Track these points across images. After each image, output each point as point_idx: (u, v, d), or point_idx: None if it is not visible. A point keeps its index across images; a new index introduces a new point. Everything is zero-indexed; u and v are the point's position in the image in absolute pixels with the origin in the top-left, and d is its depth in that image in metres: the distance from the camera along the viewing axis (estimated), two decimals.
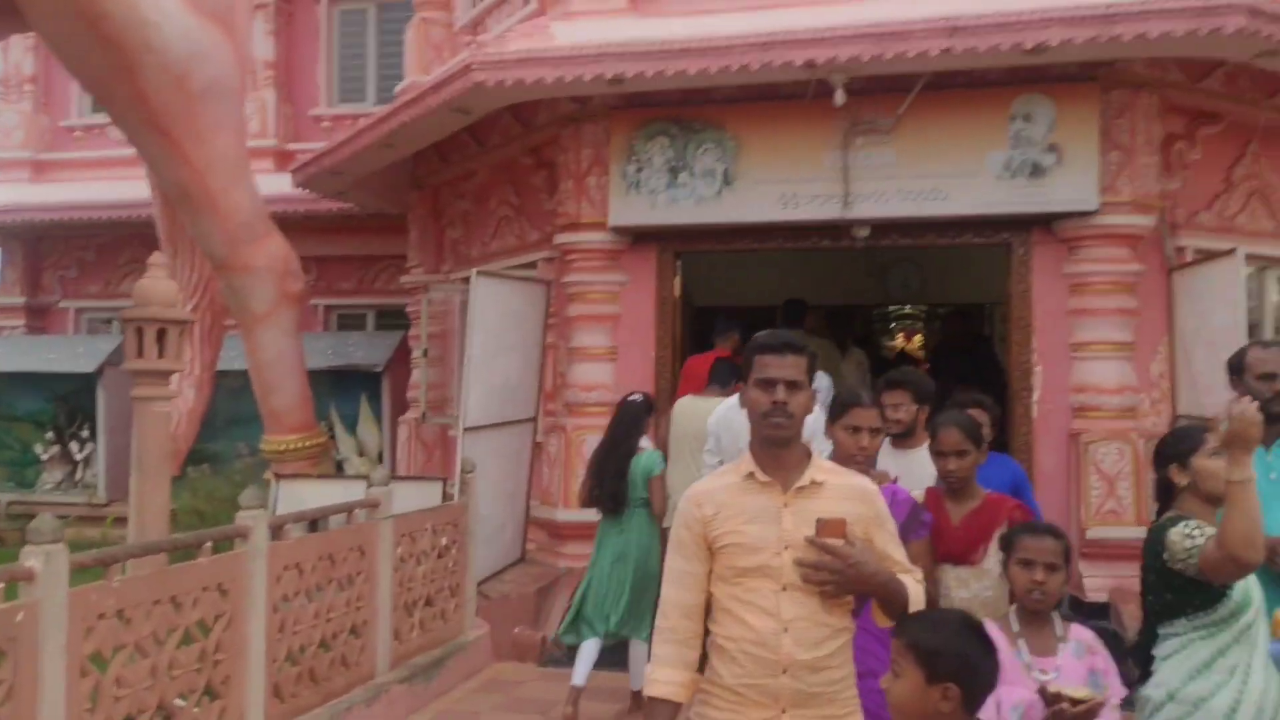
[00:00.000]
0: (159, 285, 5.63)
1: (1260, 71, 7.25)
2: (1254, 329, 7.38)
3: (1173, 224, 7.05)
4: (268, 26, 12.50)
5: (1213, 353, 6.05)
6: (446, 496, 6.68)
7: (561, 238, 7.71)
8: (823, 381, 6.34)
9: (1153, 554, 3.14)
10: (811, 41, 6.34)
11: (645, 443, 5.82)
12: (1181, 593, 3.05)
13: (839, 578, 2.45)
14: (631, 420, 5.82)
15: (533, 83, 6.79)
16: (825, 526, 2.47)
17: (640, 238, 7.59)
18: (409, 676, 5.72)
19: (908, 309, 15.18)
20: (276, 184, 10.99)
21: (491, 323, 6.97)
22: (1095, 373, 6.82)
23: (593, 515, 7.12)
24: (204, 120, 7.36)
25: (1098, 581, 6.66)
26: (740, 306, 9.79)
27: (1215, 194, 7.45)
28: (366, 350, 11.39)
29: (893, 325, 15.80)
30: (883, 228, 7.08)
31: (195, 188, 7.51)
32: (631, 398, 5.95)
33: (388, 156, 9.02)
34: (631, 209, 7.32)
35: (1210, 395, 6.08)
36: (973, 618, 2.39)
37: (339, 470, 10.58)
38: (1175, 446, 3.26)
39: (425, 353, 9.54)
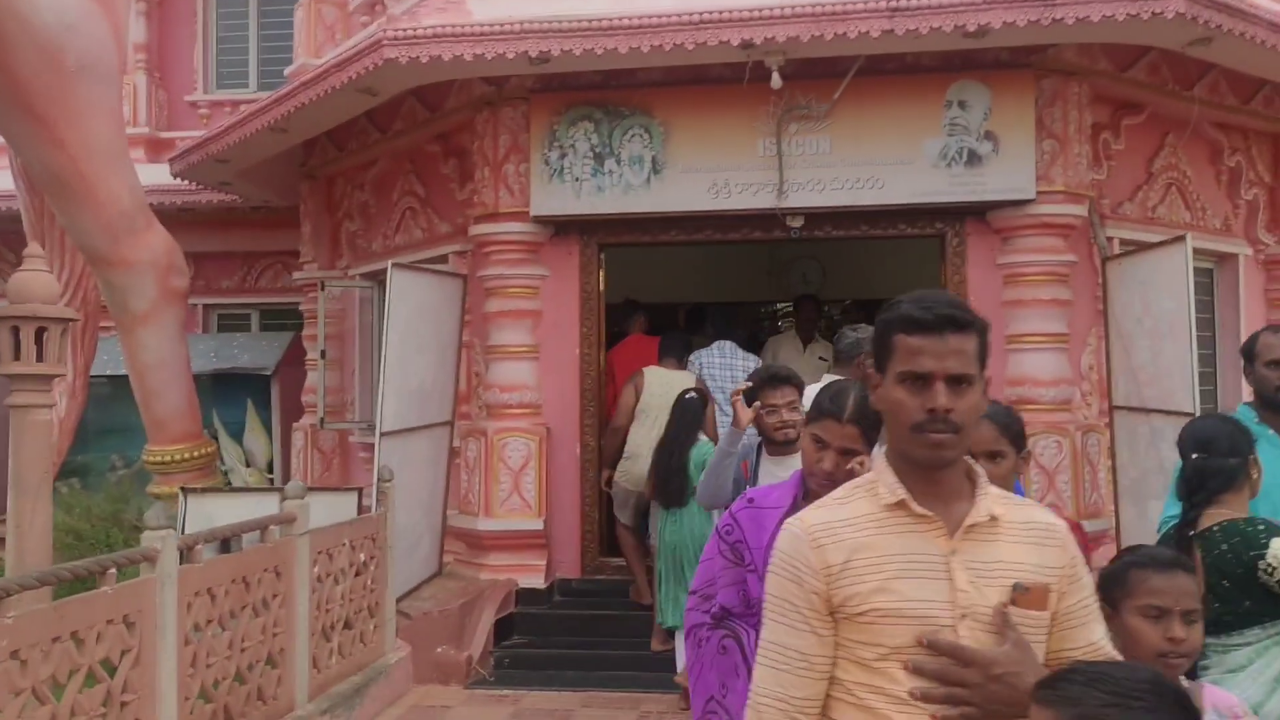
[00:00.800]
0: (38, 279, 4.97)
1: (1180, 62, 7.30)
2: None
3: (1100, 214, 7.01)
4: (139, 6, 11.61)
5: (1156, 342, 6.00)
6: (362, 508, 6.16)
7: (477, 229, 7.25)
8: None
9: (1233, 561, 2.88)
10: (748, 21, 6.05)
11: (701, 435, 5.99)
12: (1264, 601, 2.83)
13: (1006, 691, 1.65)
14: (691, 417, 5.96)
15: (450, 60, 6.31)
16: (1029, 596, 1.72)
17: (562, 229, 7.18)
18: (330, 708, 5.21)
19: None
20: (149, 174, 10.15)
21: (407, 320, 6.47)
22: (1031, 365, 6.72)
23: (517, 524, 6.72)
24: (79, 101, 6.64)
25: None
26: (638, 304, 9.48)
27: (1137, 185, 7.46)
28: (253, 353, 10.66)
29: (781, 324, 15.62)
30: (817, 218, 6.84)
31: (69, 174, 6.78)
32: (688, 395, 6.03)
33: (280, 143, 8.39)
34: (554, 198, 6.92)
35: (1154, 386, 6.02)
36: (1168, 681, 1.53)
37: (227, 481, 9.85)
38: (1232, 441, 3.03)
39: (324, 354, 8.93)
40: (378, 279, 8.80)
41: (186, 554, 4.25)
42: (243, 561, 4.61)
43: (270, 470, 10.50)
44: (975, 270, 6.87)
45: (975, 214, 6.84)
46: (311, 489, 5.34)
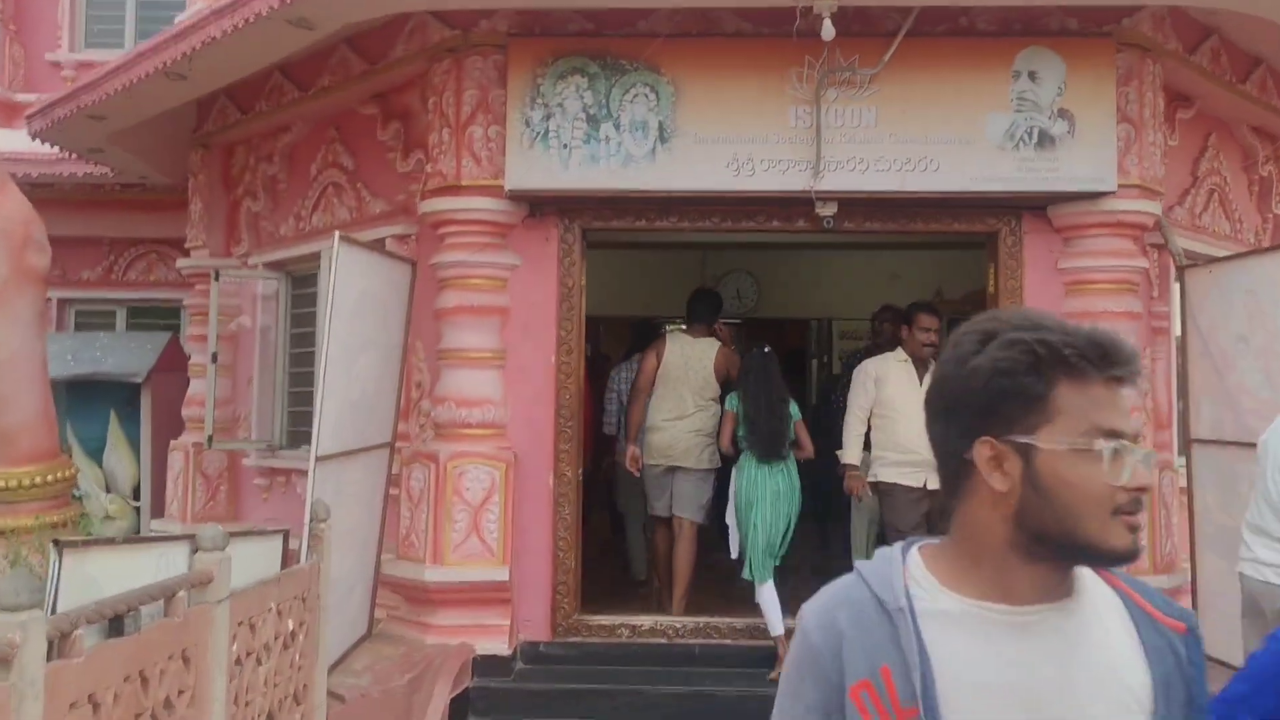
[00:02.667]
0: None
1: (1237, 53, 6.48)
2: None
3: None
4: None
5: (1272, 363, 5.01)
6: (288, 557, 4.67)
7: (431, 205, 5.84)
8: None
9: None
10: None
11: None
12: None
13: None
14: (775, 368, 5.98)
15: None
16: None
17: (539, 209, 5.84)
18: None
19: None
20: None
21: (353, 310, 5.02)
22: None
23: (475, 573, 5.35)
24: None
25: None
26: None
27: (1184, 188, 6.57)
28: (120, 356, 8.88)
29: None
30: (851, 207, 5.68)
31: None
32: (766, 350, 6.03)
33: (175, 95, 6.82)
34: (536, 169, 5.56)
35: (1266, 416, 5.02)
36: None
37: (83, 512, 8.09)
38: None
39: (215, 357, 7.33)
40: (285, 269, 7.30)
41: (60, 643, 2.75)
42: (141, 649, 3.10)
43: (136, 497, 8.76)
44: (1034, 275, 5.82)
45: (1034, 208, 5.79)
46: (233, 533, 3.84)
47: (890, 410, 5.68)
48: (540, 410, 5.83)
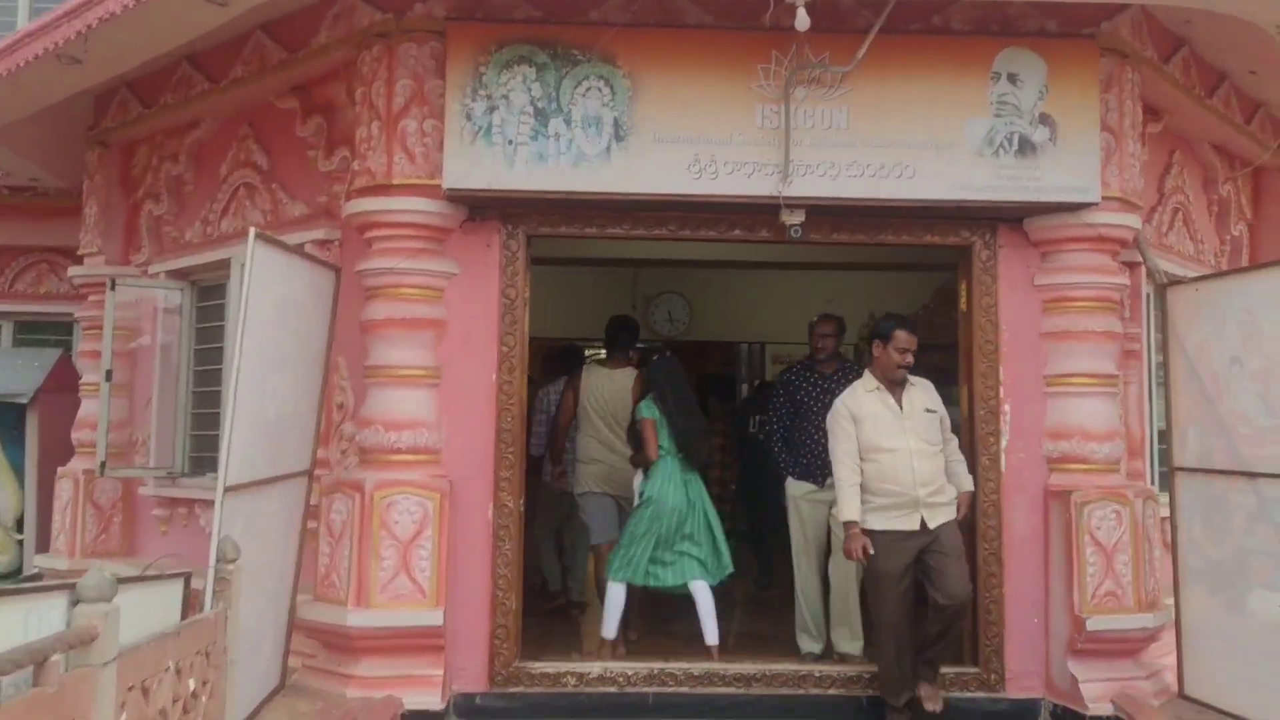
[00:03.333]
0: None
1: (1206, 66, 6.27)
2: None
3: None
4: None
5: (1272, 387, 4.70)
6: (190, 603, 4.03)
7: (358, 205, 5.26)
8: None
9: None
10: None
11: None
12: None
13: None
14: (682, 370, 5.96)
15: None
16: None
17: (480, 212, 5.30)
18: None
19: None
20: None
21: (269, 319, 4.41)
22: (1080, 414, 5.33)
23: (405, 617, 4.78)
24: None
25: (1098, 688, 5.09)
26: None
27: (1152, 206, 6.30)
28: (4, 374, 8.07)
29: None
30: (820, 216, 5.24)
31: None
32: (665, 353, 6.08)
33: (68, 83, 6.12)
34: (479, 167, 5.02)
35: (1267, 443, 4.71)
36: None
37: None
38: None
39: (109, 375, 6.60)
40: (190, 278, 6.65)
41: None
42: None
43: (19, 529, 7.93)
44: (1010, 292, 5.45)
45: (1010, 221, 5.44)
46: (124, 579, 3.21)
47: (873, 452, 4.92)
48: (479, 434, 5.27)
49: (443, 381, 5.25)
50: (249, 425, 4.31)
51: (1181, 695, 5.24)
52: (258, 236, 4.17)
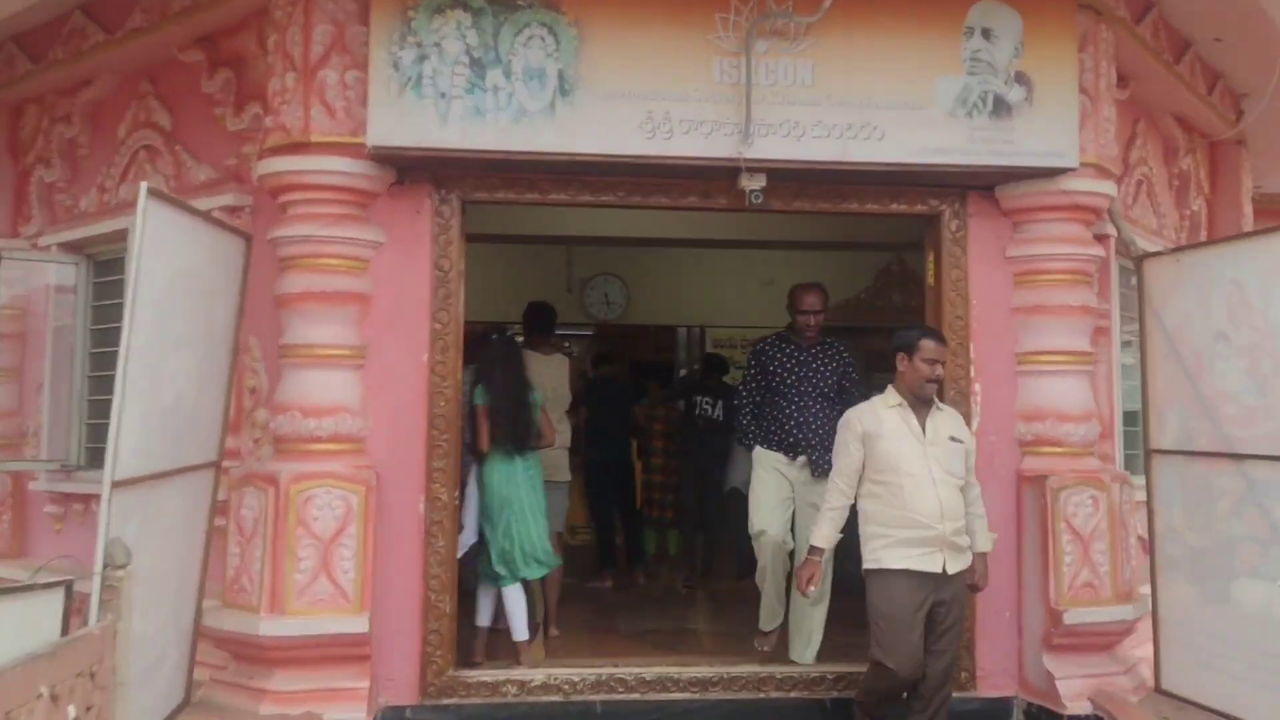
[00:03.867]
0: None
1: (1171, 30, 6.01)
2: None
3: None
4: None
5: (1261, 363, 4.41)
6: (71, 617, 3.49)
7: (271, 165, 4.72)
8: None
9: None
10: None
11: None
12: None
13: None
14: (519, 354, 5.65)
15: None
16: None
17: (408, 174, 4.79)
18: None
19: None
20: None
21: (165, 290, 3.87)
22: (1052, 393, 5.01)
23: (325, 624, 4.28)
24: None
25: (1076, 685, 4.78)
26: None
27: (1118, 177, 6.01)
28: None
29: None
30: (783, 181, 4.84)
31: None
32: (497, 335, 5.67)
33: None
34: (407, 122, 4.50)
35: (1256, 423, 4.43)
36: None
37: None
38: None
39: None
40: (85, 251, 6.04)
41: None
42: None
43: None
44: (979, 264, 5.11)
45: (981, 188, 5.10)
46: None
47: (889, 474, 4.25)
48: (409, 421, 4.77)
49: (368, 363, 4.74)
50: (143, 411, 3.76)
51: (1158, 690, 4.96)
52: (151, 194, 3.62)
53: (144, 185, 3.57)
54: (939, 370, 4.39)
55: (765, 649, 5.21)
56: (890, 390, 4.45)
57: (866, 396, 4.96)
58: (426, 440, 4.78)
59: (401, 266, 4.79)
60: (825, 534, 4.38)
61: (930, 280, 5.20)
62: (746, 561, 7.64)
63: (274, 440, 4.71)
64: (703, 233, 8.75)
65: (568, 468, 6.35)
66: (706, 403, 7.80)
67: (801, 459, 5.15)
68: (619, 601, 7.16)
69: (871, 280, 11.00)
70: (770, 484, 5.20)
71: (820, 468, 5.01)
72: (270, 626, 4.41)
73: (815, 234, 8.51)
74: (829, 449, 4.89)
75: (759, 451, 5.30)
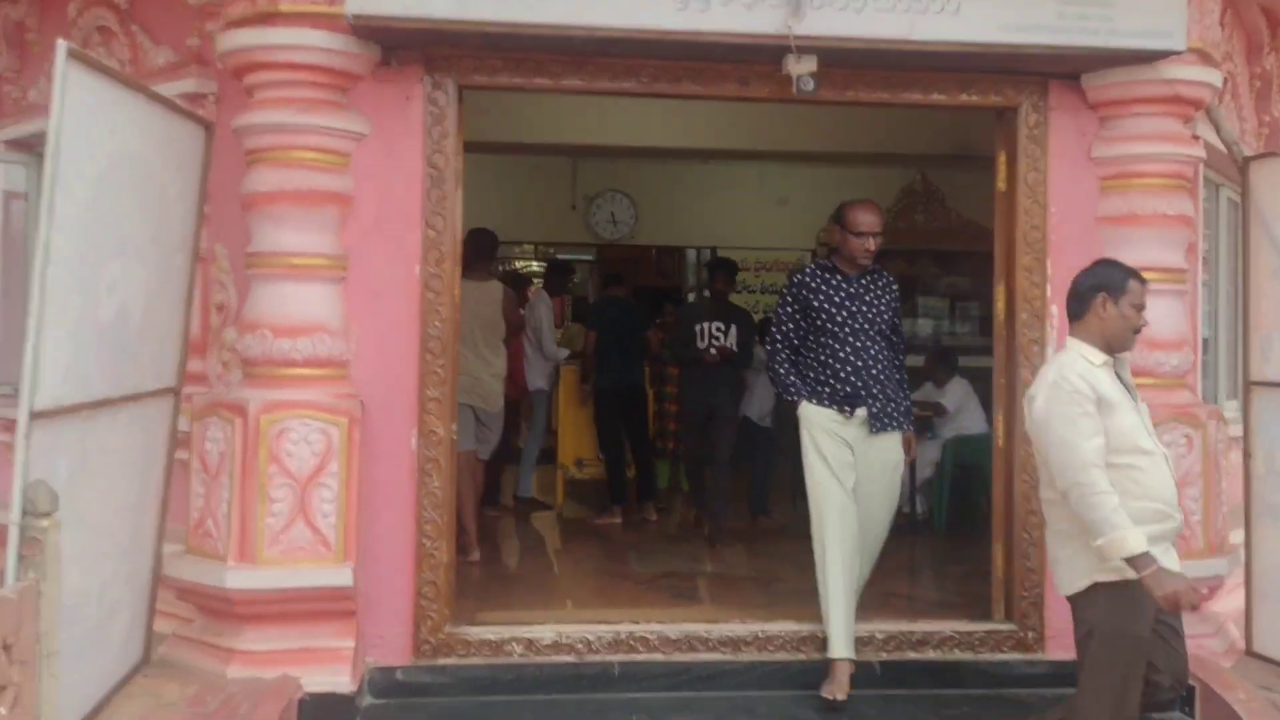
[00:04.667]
0: None
1: None
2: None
3: None
4: None
5: None
6: None
7: (233, 40, 4.00)
8: None
9: None
10: None
11: None
12: None
13: None
14: None
15: None
16: None
17: (395, 54, 4.07)
18: None
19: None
20: None
21: (95, 181, 3.18)
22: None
23: (303, 575, 3.71)
24: None
25: None
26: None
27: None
28: None
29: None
30: (835, 64, 4.10)
31: None
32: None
33: None
34: None
35: None
36: None
37: None
38: None
39: None
40: (36, 150, 5.28)
41: None
42: None
43: None
44: (1060, 166, 4.40)
45: (1064, 77, 4.37)
46: None
47: (1129, 454, 3.15)
48: (399, 342, 4.11)
49: (350, 275, 4.07)
50: (73, 329, 3.11)
51: (1249, 652, 4.39)
52: (73, 57, 2.92)
53: (61, 44, 2.87)
54: (1144, 320, 3.33)
55: (839, 697, 4.06)
56: (1082, 344, 3.25)
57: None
58: (419, 366, 4.12)
59: (389, 163, 4.09)
60: (1136, 533, 3.03)
61: (1001, 185, 4.49)
62: (761, 498, 7.08)
63: (242, 364, 4.05)
64: (714, 142, 8.11)
65: (500, 396, 6.13)
66: (718, 329, 6.73)
67: (861, 412, 4.27)
68: (629, 541, 6.60)
69: (893, 200, 10.30)
70: (829, 451, 4.26)
71: (882, 422, 4.30)
72: (239, 578, 3.80)
73: (837, 142, 7.84)
74: (891, 399, 4.31)
75: (807, 409, 4.32)
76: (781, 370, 4.42)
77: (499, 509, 7.30)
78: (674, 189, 10.94)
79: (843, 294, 4.38)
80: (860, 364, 4.31)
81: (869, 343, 4.34)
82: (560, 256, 11.44)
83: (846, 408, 4.28)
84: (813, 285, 4.41)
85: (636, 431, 7.52)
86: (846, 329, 4.33)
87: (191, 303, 4.24)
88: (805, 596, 4.47)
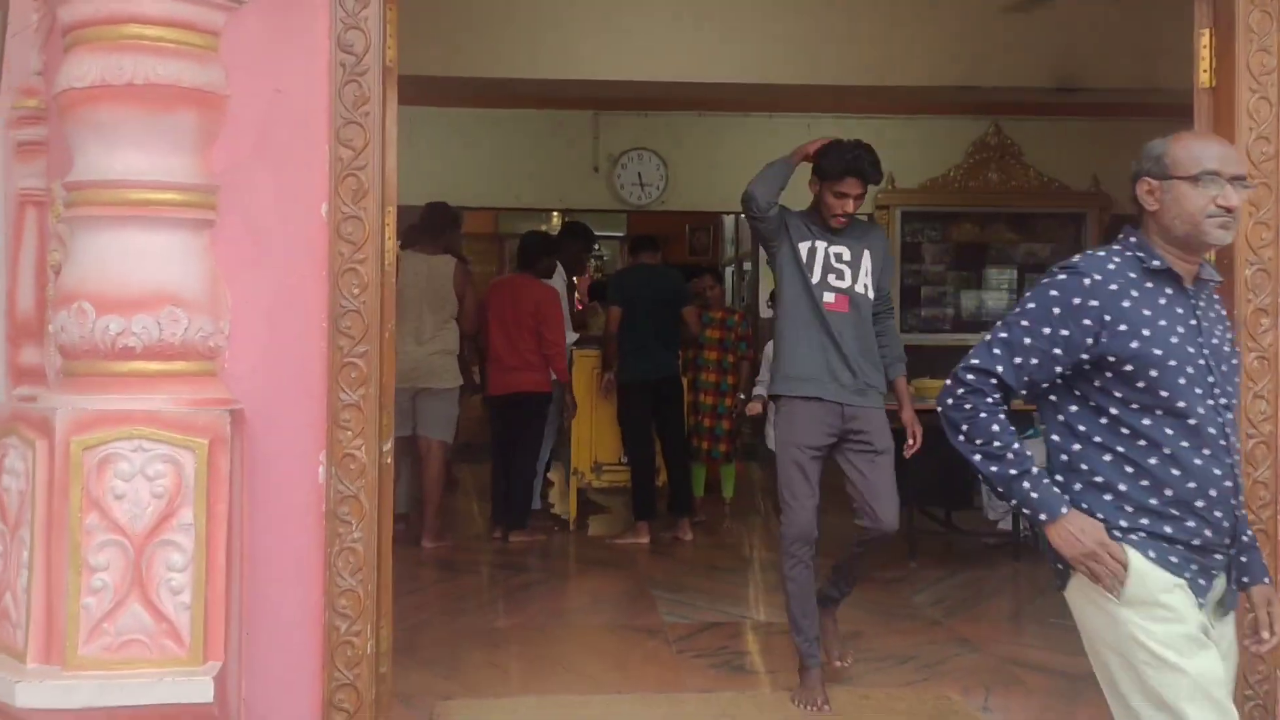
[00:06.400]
0: None
1: None
2: None
3: None
4: None
5: None
6: None
7: None
8: None
9: None
10: None
11: None
12: None
13: None
14: None
15: None
16: None
17: None
18: None
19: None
20: None
21: None
22: None
23: (145, 690, 2.28)
24: None
25: None
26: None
27: None
28: None
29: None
30: None
31: None
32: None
33: None
34: None
35: None
36: None
37: None
38: None
39: None
40: None
41: None
42: None
43: None
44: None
45: None
46: None
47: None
48: (296, 320, 2.70)
49: (221, 218, 2.66)
50: None
51: None
52: None
53: None
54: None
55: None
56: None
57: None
58: (329, 358, 2.70)
59: (276, 46, 2.67)
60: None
61: (1205, 79, 3.01)
62: None
63: (59, 354, 2.67)
64: (757, 75, 7.01)
65: (455, 373, 5.83)
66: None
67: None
68: (658, 570, 5.23)
69: (962, 156, 9.17)
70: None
71: None
72: (36, 692, 2.41)
73: (907, 75, 6.66)
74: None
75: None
76: (996, 428, 2.11)
77: (529, 532, 6.13)
78: (711, 147, 9.71)
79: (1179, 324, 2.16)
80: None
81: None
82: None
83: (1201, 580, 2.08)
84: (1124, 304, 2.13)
85: (671, 430, 6.21)
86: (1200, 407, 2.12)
87: (16, 265, 2.88)
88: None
